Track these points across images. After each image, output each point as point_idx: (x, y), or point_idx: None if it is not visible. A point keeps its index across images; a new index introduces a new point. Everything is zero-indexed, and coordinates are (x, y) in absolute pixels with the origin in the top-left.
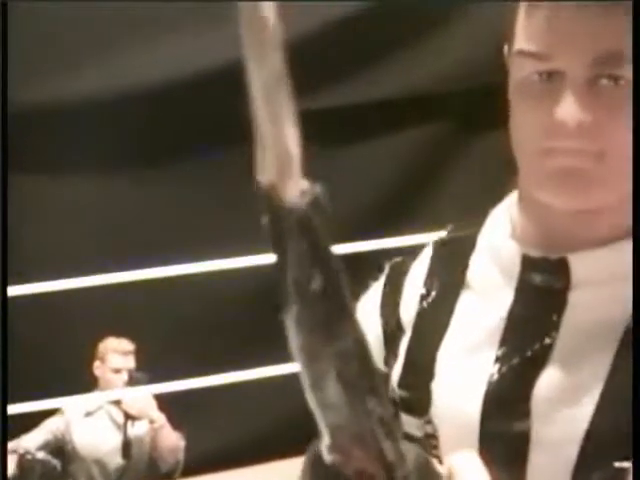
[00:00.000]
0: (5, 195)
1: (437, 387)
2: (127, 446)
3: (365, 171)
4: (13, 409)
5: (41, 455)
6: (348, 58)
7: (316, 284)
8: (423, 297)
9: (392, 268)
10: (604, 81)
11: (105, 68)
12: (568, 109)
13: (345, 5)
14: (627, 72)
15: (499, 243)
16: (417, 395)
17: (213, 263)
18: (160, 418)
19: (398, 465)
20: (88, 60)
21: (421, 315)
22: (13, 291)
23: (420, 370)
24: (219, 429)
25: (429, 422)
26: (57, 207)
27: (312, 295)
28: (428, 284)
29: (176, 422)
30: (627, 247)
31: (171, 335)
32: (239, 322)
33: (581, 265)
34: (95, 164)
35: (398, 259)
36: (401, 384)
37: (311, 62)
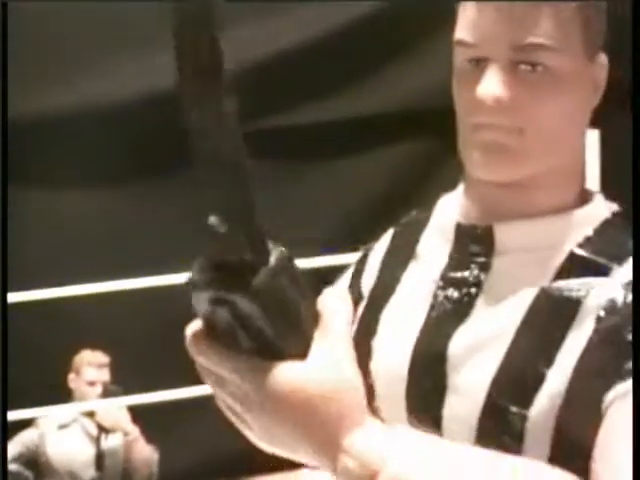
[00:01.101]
0: (5, 207)
1: (376, 344)
2: (101, 458)
3: (352, 184)
4: None
5: (14, 467)
6: (333, 74)
7: None
8: (379, 270)
9: (362, 251)
10: (522, 66)
11: (102, 80)
12: (488, 87)
13: (329, 22)
14: (545, 59)
15: (444, 217)
16: (360, 351)
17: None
18: (134, 430)
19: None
20: (86, 72)
21: (375, 285)
22: None
23: (365, 330)
24: (194, 442)
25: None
26: (41, 219)
27: None
28: (385, 259)
29: (150, 435)
30: (556, 221)
31: (146, 348)
32: None
33: (505, 234)
34: (83, 175)
35: (368, 244)
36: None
37: (294, 78)
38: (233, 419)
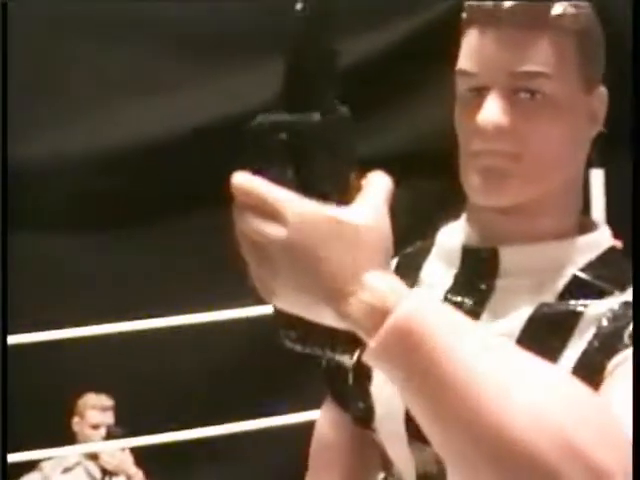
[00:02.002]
0: (5, 250)
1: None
2: None
3: None
4: None
5: None
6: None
7: None
8: None
9: None
10: (522, 94)
11: (104, 124)
12: (488, 114)
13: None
14: (543, 87)
15: (449, 242)
16: (361, 373)
17: (193, 317)
18: (137, 474)
19: None
20: (85, 116)
21: None
22: None
23: None
24: None
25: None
26: (44, 263)
27: None
28: None
29: (153, 478)
30: (559, 246)
31: (150, 391)
32: (218, 378)
33: (509, 257)
34: (82, 219)
35: None
36: (354, 365)
37: None
38: (259, 289)
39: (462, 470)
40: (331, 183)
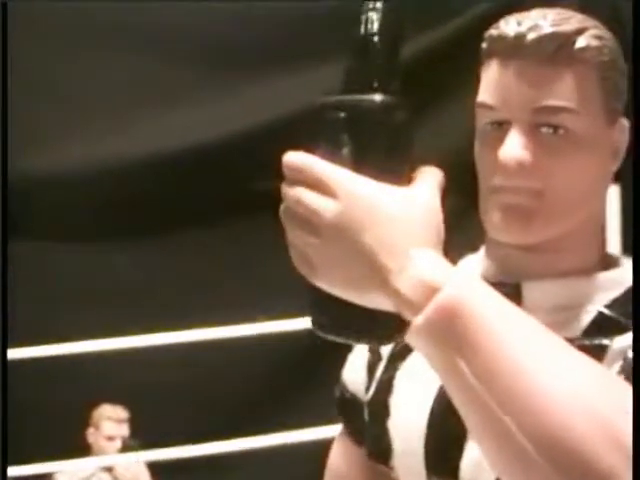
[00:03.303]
0: (5, 259)
1: (393, 401)
2: None
3: None
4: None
5: None
6: None
7: None
8: None
9: None
10: (544, 129)
11: (107, 137)
12: (510, 150)
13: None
14: (566, 122)
15: None
16: (377, 409)
17: (208, 331)
18: None
19: None
20: (88, 128)
21: (394, 345)
22: (10, 354)
23: (383, 388)
24: None
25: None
26: (53, 274)
27: None
28: None
29: None
30: (583, 282)
31: (166, 404)
32: (234, 391)
33: (533, 292)
34: (94, 232)
35: None
36: (369, 400)
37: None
38: (301, 267)
39: (501, 455)
40: (386, 165)
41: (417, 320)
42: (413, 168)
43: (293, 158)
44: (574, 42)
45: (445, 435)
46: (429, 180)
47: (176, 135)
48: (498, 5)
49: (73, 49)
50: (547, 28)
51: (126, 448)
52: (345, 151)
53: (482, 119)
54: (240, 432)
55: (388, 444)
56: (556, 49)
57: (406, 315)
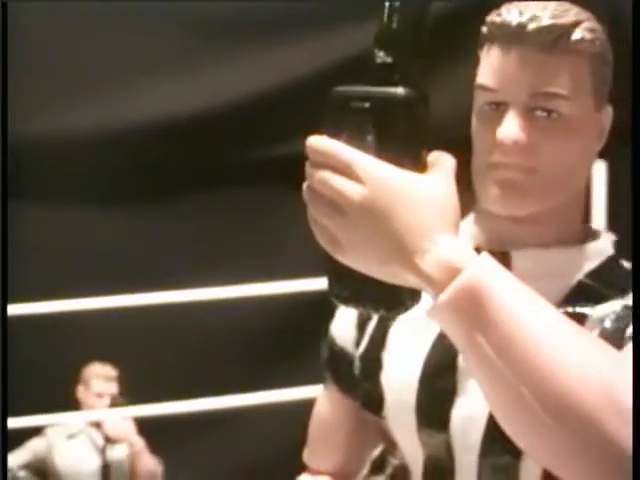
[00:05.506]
0: (5, 221)
1: (386, 357)
2: (106, 469)
3: None
4: None
5: (22, 474)
6: None
7: None
8: None
9: None
10: (539, 112)
11: (108, 101)
12: (507, 130)
13: (338, 53)
14: (560, 108)
15: None
16: (371, 364)
17: (199, 292)
18: (139, 442)
19: None
20: (91, 93)
21: None
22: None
23: (376, 343)
24: (198, 457)
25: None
26: (51, 235)
27: None
28: None
29: (155, 448)
30: (566, 252)
31: (155, 363)
32: (223, 351)
33: (521, 260)
34: (95, 195)
35: None
36: (362, 355)
37: (305, 107)
38: (326, 244)
39: (516, 420)
40: (405, 153)
41: (441, 298)
42: (426, 154)
43: (319, 142)
44: (570, 34)
45: (436, 390)
46: (445, 166)
47: (175, 103)
48: None
49: (74, 18)
50: (547, 20)
51: (114, 405)
52: (369, 139)
53: (480, 99)
54: (227, 390)
55: (380, 396)
56: (554, 40)
57: (429, 293)
